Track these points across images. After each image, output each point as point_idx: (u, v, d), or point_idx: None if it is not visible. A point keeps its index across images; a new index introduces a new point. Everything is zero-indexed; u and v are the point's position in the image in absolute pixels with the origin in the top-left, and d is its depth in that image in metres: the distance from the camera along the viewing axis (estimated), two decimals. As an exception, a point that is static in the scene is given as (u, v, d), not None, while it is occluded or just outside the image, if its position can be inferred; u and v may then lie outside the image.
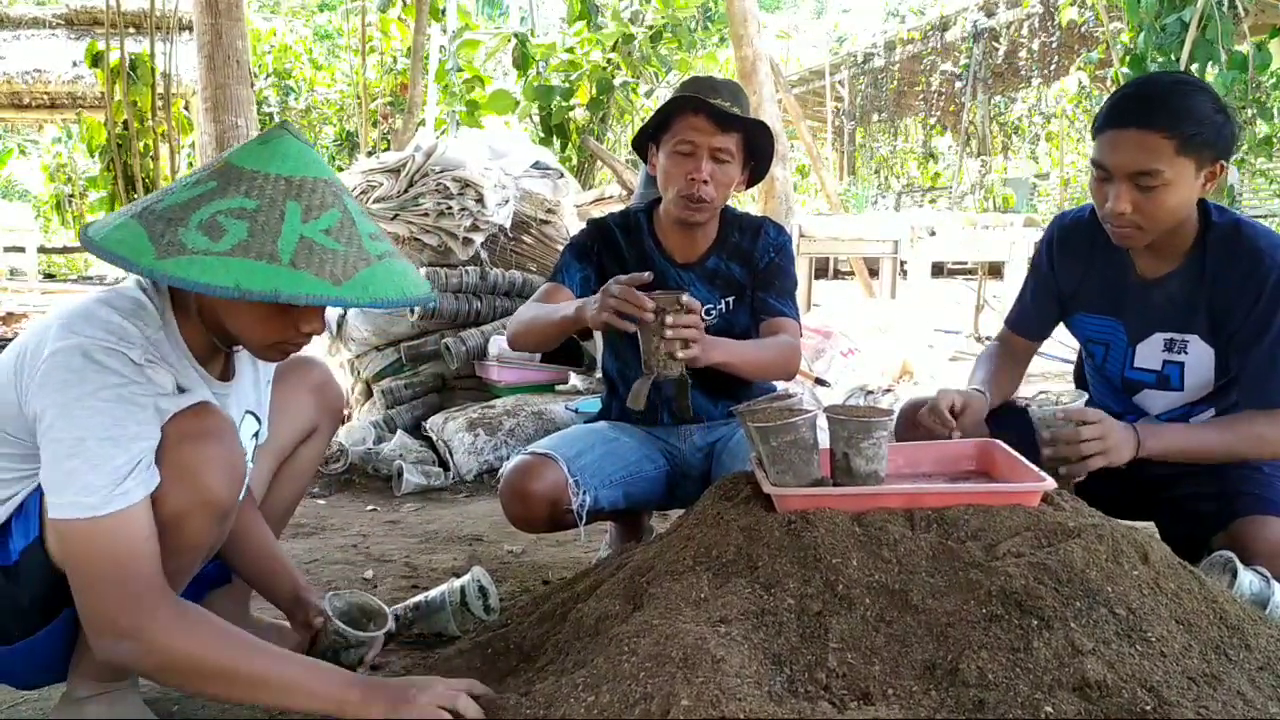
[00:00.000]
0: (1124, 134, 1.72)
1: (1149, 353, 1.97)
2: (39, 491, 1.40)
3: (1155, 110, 1.70)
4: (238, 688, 1.32)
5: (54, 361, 1.30)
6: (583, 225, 2.45)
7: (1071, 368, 2.39)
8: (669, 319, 1.80)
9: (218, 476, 1.38)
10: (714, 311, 2.26)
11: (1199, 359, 1.92)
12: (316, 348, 4.53)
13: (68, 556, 1.30)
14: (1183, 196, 1.75)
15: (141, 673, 1.38)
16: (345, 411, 4.40)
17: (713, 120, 2.07)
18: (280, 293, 1.25)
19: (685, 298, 1.82)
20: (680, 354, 1.81)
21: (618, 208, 4.85)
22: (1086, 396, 1.78)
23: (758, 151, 2.20)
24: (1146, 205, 1.74)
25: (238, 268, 1.24)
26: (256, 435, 1.73)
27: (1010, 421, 1.95)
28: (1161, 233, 1.81)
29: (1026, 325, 2.17)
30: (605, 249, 2.30)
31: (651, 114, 2.20)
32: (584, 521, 2.08)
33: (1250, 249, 1.81)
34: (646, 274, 1.88)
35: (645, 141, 2.23)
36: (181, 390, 1.42)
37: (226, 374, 1.59)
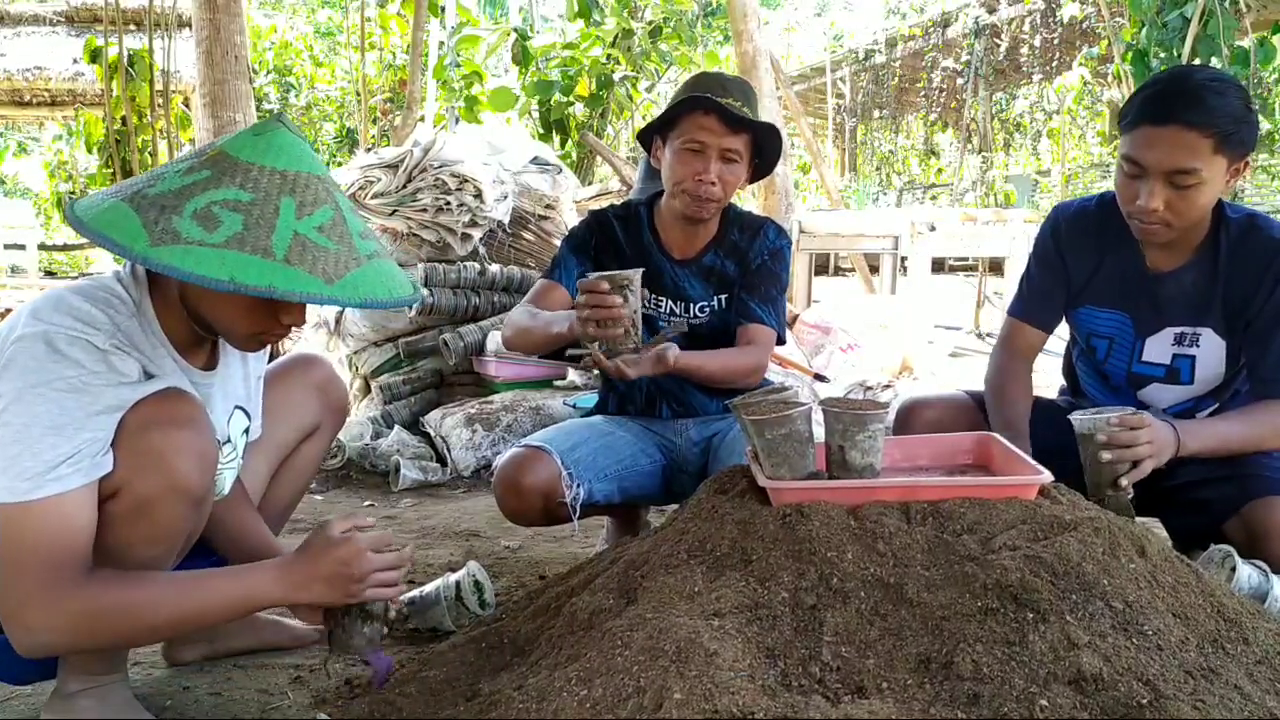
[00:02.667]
0: (1162, 131, 1.70)
1: (1158, 346, 1.95)
2: None
3: (1194, 108, 1.67)
4: (164, 613, 1.34)
5: (18, 348, 1.30)
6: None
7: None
8: (631, 297, 1.83)
9: (187, 462, 1.37)
10: (707, 309, 2.25)
11: (1210, 352, 1.91)
12: (315, 344, 4.52)
13: None
14: (1213, 194, 1.75)
15: (64, 645, 1.37)
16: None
17: (723, 121, 2.06)
18: (275, 289, 1.26)
19: (636, 281, 1.83)
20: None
21: (617, 202, 4.83)
22: (1131, 409, 1.75)
23: (765, 151, 2.19)
24: (1179, 203, 1.73)
25: (233, 261, 1.25)
26: (247, 431, 1.72)
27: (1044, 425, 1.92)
28: (1186, 228, 1.80)
29: (1037, 314, 2.10)
30: (603, 241, 2.29)
31: (664, 109, 2.18)
32: (578, 514, 2.07)
33: (1267, 239, 1.82)
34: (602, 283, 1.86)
35: (651, 134, 2.21)
36: (150, 377, 1.41)
37: (210, 364, 1.58)
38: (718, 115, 2.05)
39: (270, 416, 1.80)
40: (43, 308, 1.35)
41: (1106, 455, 1.67)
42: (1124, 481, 1.67)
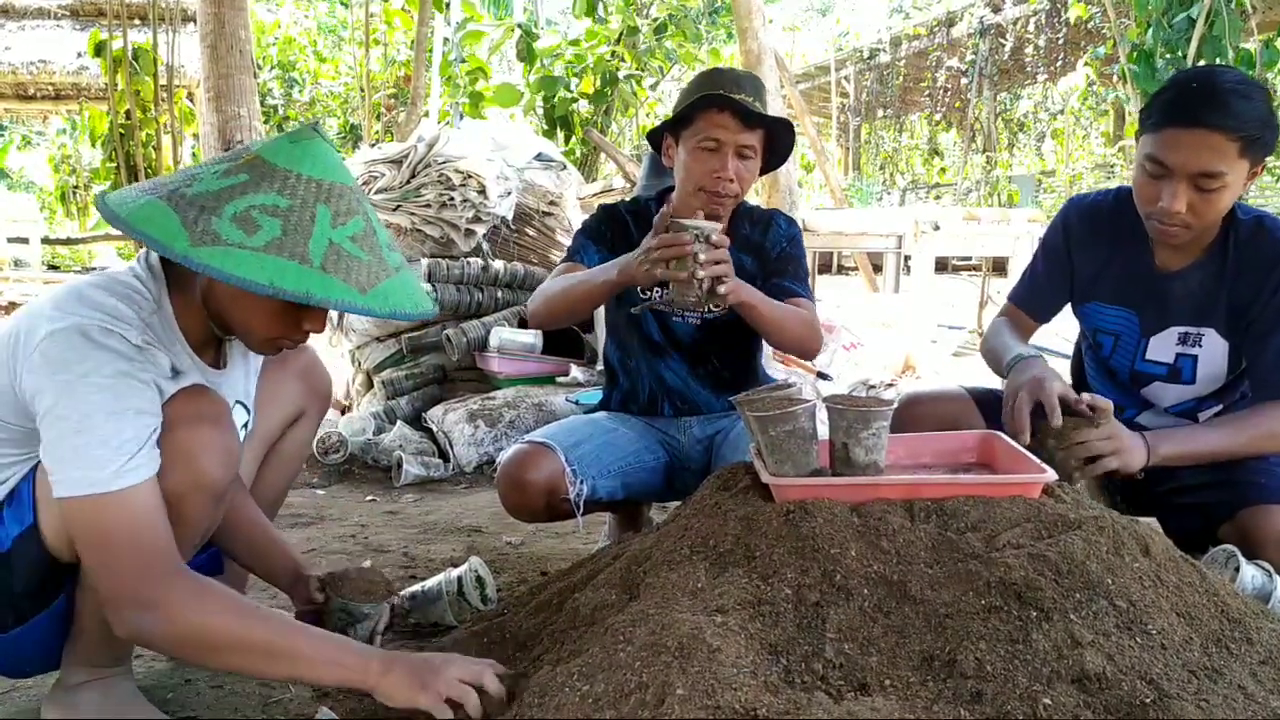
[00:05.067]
0: (1191, 134, 1.68)
1: (1162, 345, 1.95)
2: (31, 478, 1.39)
3: (1222, 111, 1.66)
4: (257, 660, 1.32)
5: (52, 341, 1.29)
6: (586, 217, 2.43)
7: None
8: (701, 252, 1.78)
9: (213, 459, 1.38)
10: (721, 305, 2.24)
11: (1213, 352, 1.90)
12: (316, 338, 4.52)
13: (79, 534, 1.30)
14: (1233, 196, 1.74)
15: (161, 646, 1.37)
16: (344, 401, 4.39)
17: (739, 118, 2.04)
18: (313, 295, 1.28)
19: (716, 235, 1.80)
20: (719, 288, 1.81)
21: (621, 199, 4.82)
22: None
23: (777, 145, 2.18)
24: (1201, 205, 1.73)
25: (271, 266, 1.27)
26: (246, 425, 1.72)
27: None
28: (1203, 230, 1.80)
29: (1035, 305, 2.13)
30: (617, 233, 2.28)
31: (675, 107, 2.15)
32: (582, 511, 2.07)
33: (1273, 241, 1.82)
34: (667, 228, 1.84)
35: (662, 133, 2.20)
36: (176, 373, 1.42)
37: (219, 362, 1.59)
38: (733, 112, 2.04)
39: (256, 404, 1.81)
40: (65, 301, 1.34)
41: (1059, 454, 1.68)
42: (1076, 476, 1.67)
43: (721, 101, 2.03)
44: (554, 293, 2.09)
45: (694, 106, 2.07)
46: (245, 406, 1.71)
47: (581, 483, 2.07)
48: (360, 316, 4.19)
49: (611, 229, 2.28)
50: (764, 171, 2.22)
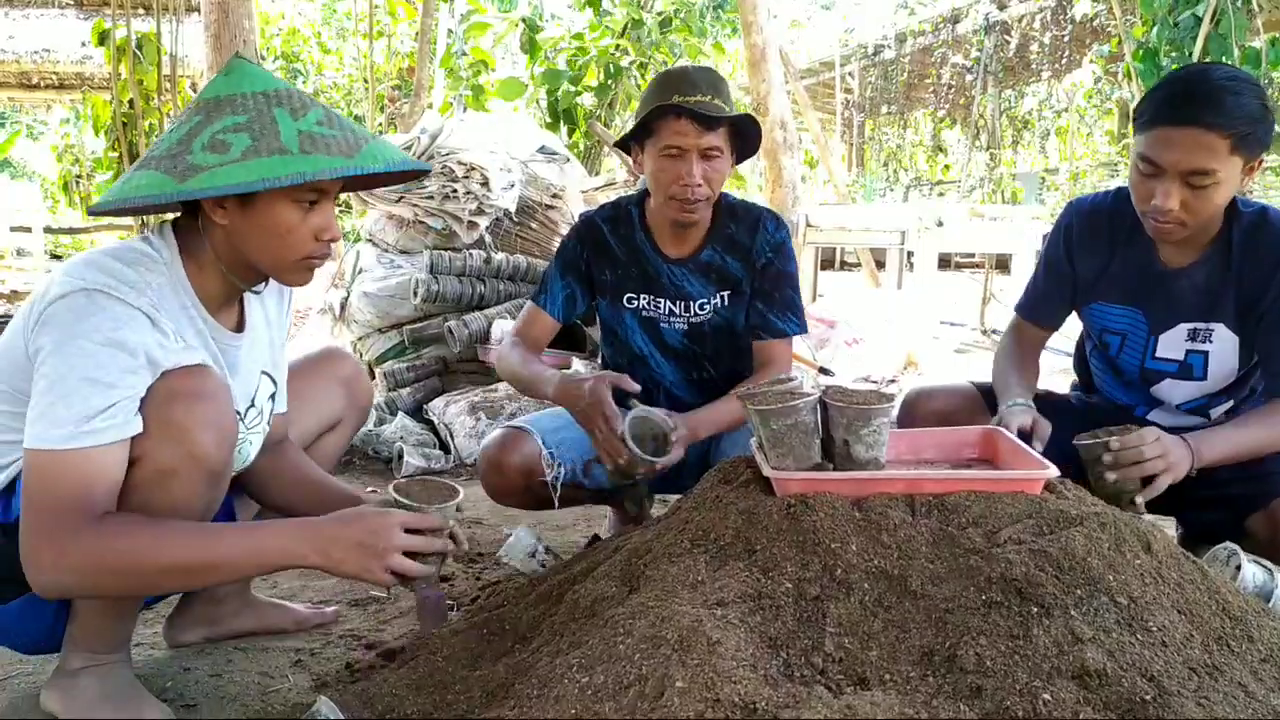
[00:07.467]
0: (1182, 132, 1.68)
1: (1172, 343, 1.95)
2: None
3: (1212, 109, 1.66)
4: (190, 577, 1.37)
5: (58, 304, 1.33)
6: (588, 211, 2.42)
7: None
8: (641, 466, 1.92)
9: (207, 435, 1.39)
10: (708, 306, 2.22)
11: (1223, 347, 1.90)
12: (320, 331, 4.51)
13: (25, 487, 1.31)
14: (1228, 192, 1.74)
15: (78, 588, 1.35)
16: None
17: (697, 122, 2.00)
18: (305, 173, 1.36)
19: (661, 461, 1.92)
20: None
21: (624, 193, 4.81)
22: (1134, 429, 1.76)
23: (745, 135, 2.13)
24: (1194, 203, 1.72)
25: (257, 166, 1.35)
26: (273, 397, 1.72)
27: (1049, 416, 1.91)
28: (1200, 227, 1.79)
29: (1041, 313, 2.13)
30: (594, 252, 2.26)
31: (637, 115, 2.12)
32: (558, 494, 2.10)
33: (1278, 234, 1.81)
34: (634, 386, 1.99)
35: (629, 143, 2.16)
36: (180, 340, 1.44)
37: (239, 326, 1.62)
38: (690, 118, 1.99)
39: (295, 406, 1.82)
40: (76, 267, 1.38)
41: (1111, 476, 1.67)
42: (1139, 500, 1.66)
43: (677, 109, 1.99)
44: (509, 372, 2.21)
45: (651, 116, 2.04)
46: (271, 377, 1.71)
47: (559, 466, 2.10)
48: (362, 307, 4.19)
49: (587, 249, 2.27)
50: (738, 161, 2.17)
